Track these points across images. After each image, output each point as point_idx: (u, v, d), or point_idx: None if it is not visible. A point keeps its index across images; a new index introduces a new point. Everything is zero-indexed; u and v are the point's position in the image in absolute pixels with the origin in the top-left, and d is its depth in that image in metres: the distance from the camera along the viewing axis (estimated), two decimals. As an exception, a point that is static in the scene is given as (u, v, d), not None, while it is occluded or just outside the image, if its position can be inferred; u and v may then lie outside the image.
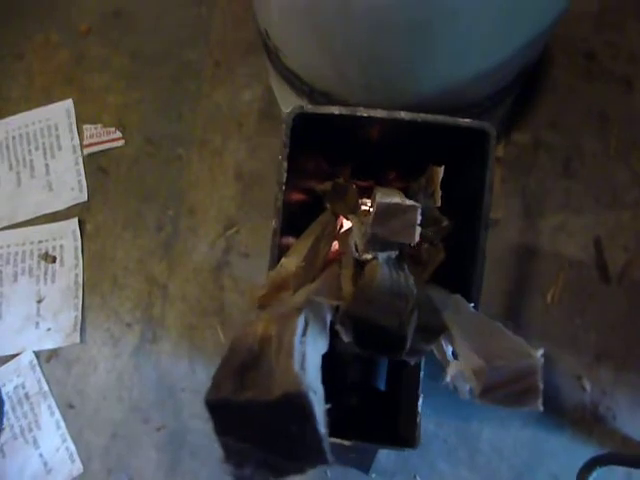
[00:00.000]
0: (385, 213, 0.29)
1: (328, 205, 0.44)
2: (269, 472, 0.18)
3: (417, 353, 0.28)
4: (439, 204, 0.37)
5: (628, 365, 0.86)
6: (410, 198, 0.34)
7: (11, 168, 1.00)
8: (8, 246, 0.96)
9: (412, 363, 0.29)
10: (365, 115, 0.38)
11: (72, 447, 0.86)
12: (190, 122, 1.03)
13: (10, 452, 0.86)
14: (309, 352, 0.20)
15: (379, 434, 0.59)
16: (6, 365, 0.91)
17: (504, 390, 0.22)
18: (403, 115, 0.38)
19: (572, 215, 0.91)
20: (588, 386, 0.86)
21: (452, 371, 0.24)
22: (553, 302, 0.89)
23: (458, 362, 0.24)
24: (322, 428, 0.18)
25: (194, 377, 0.90)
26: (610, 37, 0.99)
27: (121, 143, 1.02)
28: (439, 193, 0.36)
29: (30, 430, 0.87)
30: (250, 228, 0.97)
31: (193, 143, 1.02)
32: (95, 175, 1.01)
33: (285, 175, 0.37)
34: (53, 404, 0.88)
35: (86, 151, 1.02)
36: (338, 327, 0.27)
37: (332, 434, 0.53)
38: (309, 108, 0.39)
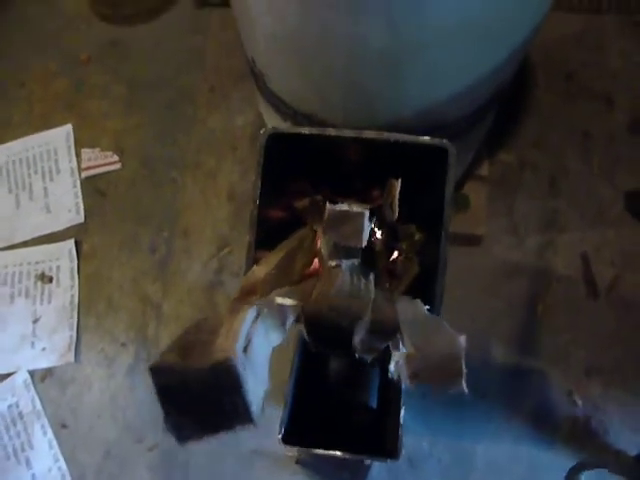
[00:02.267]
0: (335, 219, 0.32)
1: (308, 221, 0.46)
2: (204, 430, 0.20)
3: (371, 351, 0.30)
4: (396, 216, 0.39)
5: (618, 379, 0.86)
6: (379, 212, 0.36)
7: (10, 191, 1.03)
8: (6, 267, 0.98)
9: (368, 360, 0.30)
10: (333, 134, 0.41)
11: (64, 467, 0.86)
12: (185, 146, 1.06)
13: (2, 472, 0.86)
14: (256, 340, 0.22)
15: (369, 449, 0.59)
16: (1, 384, 0.91)
17: (432, 373, 0.23)
18: (367, 134, 0.41)
19: (558, 232, 0.93)
20: (579, 401, 0.86)
21: (395, 360, 0.25)
22: (542, 318, 0.90)
23: (400, 353, 0.26)
24: (250, 396, 0.19)
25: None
26: (590, 57, 1.02)
27: (118, 166, 1.05)
28: (396, 205, 0.38)
29: (23, 450, 0.87)
30: (243, 248, 0.98)
31: (187, 166, 1.04)
32: (92, 197, 1.04)
33: (259, 192, 0.39)
34: (46, 423, 0.89)
35: (84, 174, 1.05)
36: (300, 326, 0.29)
37: (324, 447, 0.54)
38: (281, 128, 0.42)
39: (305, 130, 0.41)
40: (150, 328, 0.95)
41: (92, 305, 0.97)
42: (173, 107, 1.09)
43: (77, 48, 1.15)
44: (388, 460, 0.51)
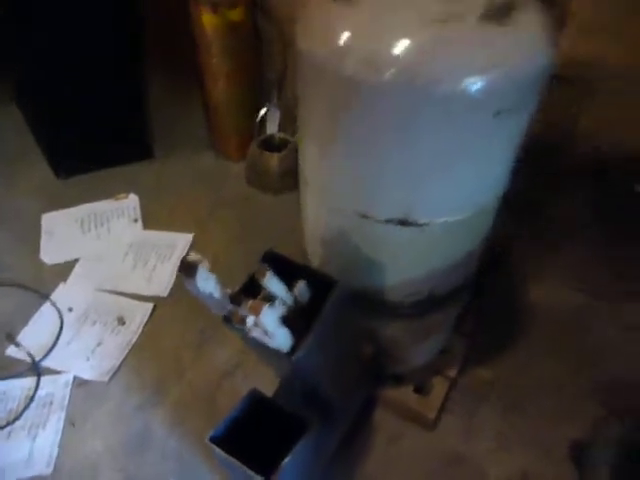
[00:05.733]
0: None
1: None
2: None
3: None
4: (306, 300, 0.70)
5: None
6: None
7: (134, 259, 1.47)
8: (103, 302, 1.36)
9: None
10: (297, 263, 0.75)
11: (54, 454, 1.08)
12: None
13: (14, 437, 1.10)
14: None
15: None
16: (51, 376, 1.21)
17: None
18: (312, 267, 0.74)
19: (503, 449, 1.08)
20: None
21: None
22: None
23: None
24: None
25: (166, 446, 1.11)
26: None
27: (207, 271, 1.45)
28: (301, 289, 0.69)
29: (37, 427, 1.11)
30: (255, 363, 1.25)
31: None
32: (180, 284, 1.42)
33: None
34: (62, 417, 1.14)
35: (183, 267, 1.45)
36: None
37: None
38: (273, 252, 0.77)
39: (287, 259, 0.76)
40: (168, 385, 1.21)
41: (140, 351, 1.27)
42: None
43: (224, 191, 1.69)
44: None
